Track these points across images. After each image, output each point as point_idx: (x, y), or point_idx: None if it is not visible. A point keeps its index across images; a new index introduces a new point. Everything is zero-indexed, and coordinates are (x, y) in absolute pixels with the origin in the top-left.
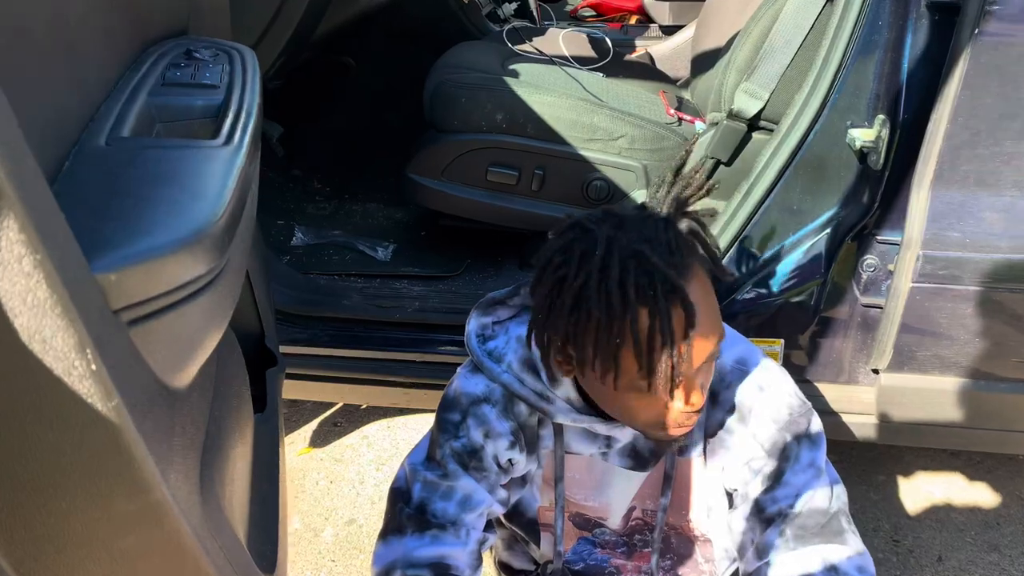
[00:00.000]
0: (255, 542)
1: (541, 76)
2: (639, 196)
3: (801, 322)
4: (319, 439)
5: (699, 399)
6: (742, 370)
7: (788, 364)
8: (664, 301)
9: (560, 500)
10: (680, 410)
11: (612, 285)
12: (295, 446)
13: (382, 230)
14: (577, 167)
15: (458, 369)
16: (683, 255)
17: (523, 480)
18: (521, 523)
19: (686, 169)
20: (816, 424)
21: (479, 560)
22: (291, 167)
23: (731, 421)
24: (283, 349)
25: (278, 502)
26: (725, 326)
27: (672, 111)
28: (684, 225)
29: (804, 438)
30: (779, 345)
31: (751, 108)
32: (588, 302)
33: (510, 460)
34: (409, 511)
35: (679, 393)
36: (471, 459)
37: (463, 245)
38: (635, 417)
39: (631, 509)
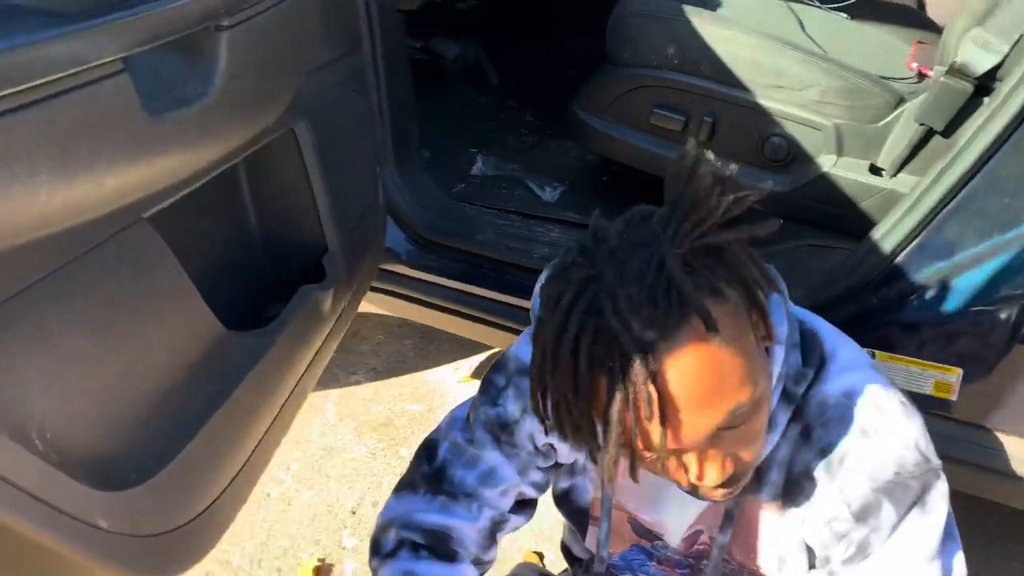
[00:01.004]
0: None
1: (744, 9)
2: (826, 162)
3: (991, 350)
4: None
5: (717, 476)
6: (847, 405)
7: (964, 403)
8: (622, 375)
9: (607, 502)
10: (695, 484)
11: (564, 351)
12: (459, 372)
13: (559, 170)
14: (754, 118)
15: (525, 330)
16: (674, 306)
17: (573, 468)
18: (570, 511)
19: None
20: (938, 494)
21: (490, 540)
22: (507, 97)
23: (818, 468)
24: (418, 275)
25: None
26: (845, 342)
27: (914, 64)
28: (720, 238)
29: (913, 508)
30: (954, 376)
31: (981, 63)
32: (542, 365)
33: (550, 445)
34: (427, 470)
35: (680, 471)
36: (502, 432)
37: (629, 196)
38: (658, 474)
39: (696, 532)
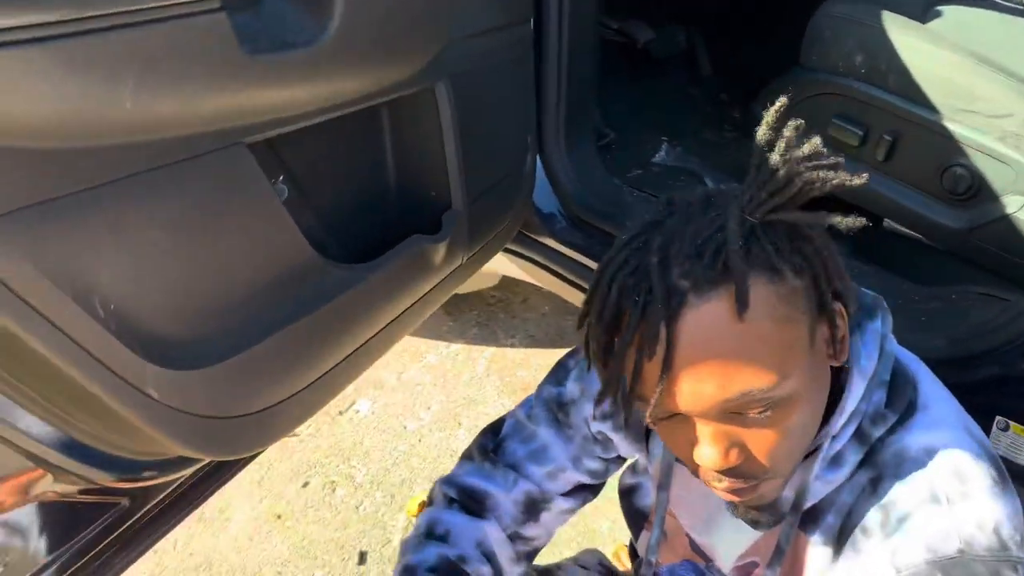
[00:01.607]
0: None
1: (954, 23)
2: (1012, 203)
3: None
4: None
5: (717, 459)
6: (926, 463)
7: None
8: (641, 311)
9: (661, 510)
10: (694, 463)
11: (604, 278)
12: None
13: (743, 171)
14: (938, 143)
15: None
16: (716, 267)
17: (636, 466)
18: (629, 510)
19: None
20: None
21: (528, 515)
22: (720, 90)
23: (875, 521)
24: (564, 250)
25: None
26: (943, 396)
27: None
28: (794, 215)
29: None
30: None
31: None
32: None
33: (604, 433)
34: (487, 442)
35: (687, 447)
36: (560, 410)
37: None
38: (669, 446)
39: (751, 564)
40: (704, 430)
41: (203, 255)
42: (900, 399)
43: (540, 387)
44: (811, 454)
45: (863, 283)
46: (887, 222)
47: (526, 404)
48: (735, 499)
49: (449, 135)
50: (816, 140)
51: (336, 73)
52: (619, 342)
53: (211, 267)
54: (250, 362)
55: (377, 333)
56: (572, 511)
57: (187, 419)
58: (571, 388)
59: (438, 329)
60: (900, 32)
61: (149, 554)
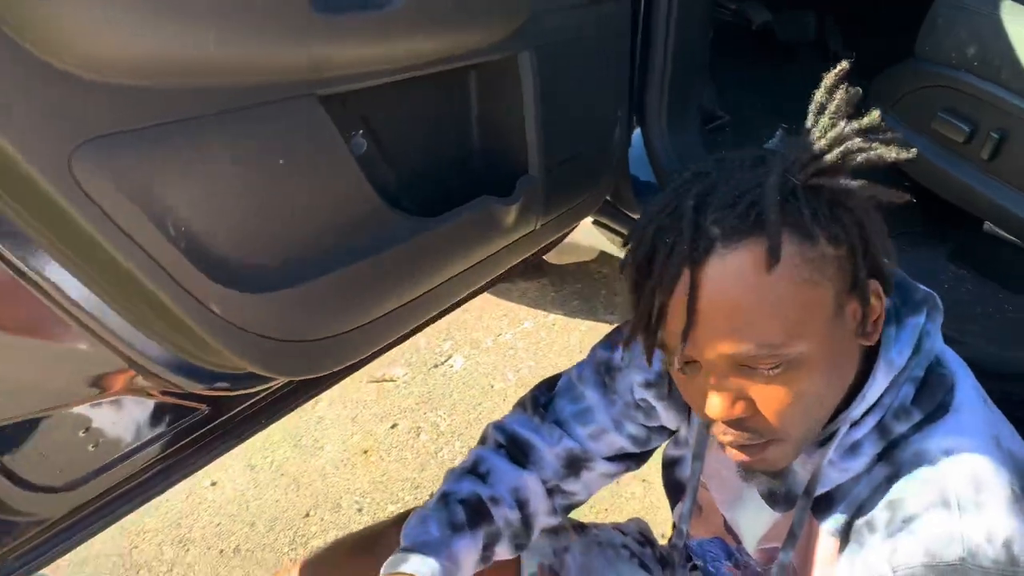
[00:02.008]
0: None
1: None
2: None
3: None
4: None
5: (721, 409)
6: (942, 466)
7: None
8: (670, 252)
9: (694, 479)
10: (705, 414)
11: (644, 220)
12: None
13: None
14: None
15: None
16: (749, 220)
17: (678, 438)
18: (669, 481)
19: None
20: None
21: (569, 471)
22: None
23: (882, 519)
24: None
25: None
26: (979, 405)
27: None
28: (835, 182)
29: None
30: None
31: None
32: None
33: (647, 400)
34: (538, 395)
35: (699, 396)
36: (607, 374)
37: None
38: (685, 398)
39: (773, 549)
40: (715, 380)
41: (268, 192)
42: (930, 399)
43: (593, 349)
44: (828, 439)
45: (958, 288)
46: (988, 225)
47: (581, 364)
48: (743, 458)
49: (530, 104)
50: (875, 113)
51: (409, 37)
52: (648, 282)
53: (275, 204)
54: (309, 294)
55: (440, 284)
56: (613, 475)
57: (246, 336)
58: (619, 354)
59: (541, 298)
60: (1017, 23)
61: (245, 470)
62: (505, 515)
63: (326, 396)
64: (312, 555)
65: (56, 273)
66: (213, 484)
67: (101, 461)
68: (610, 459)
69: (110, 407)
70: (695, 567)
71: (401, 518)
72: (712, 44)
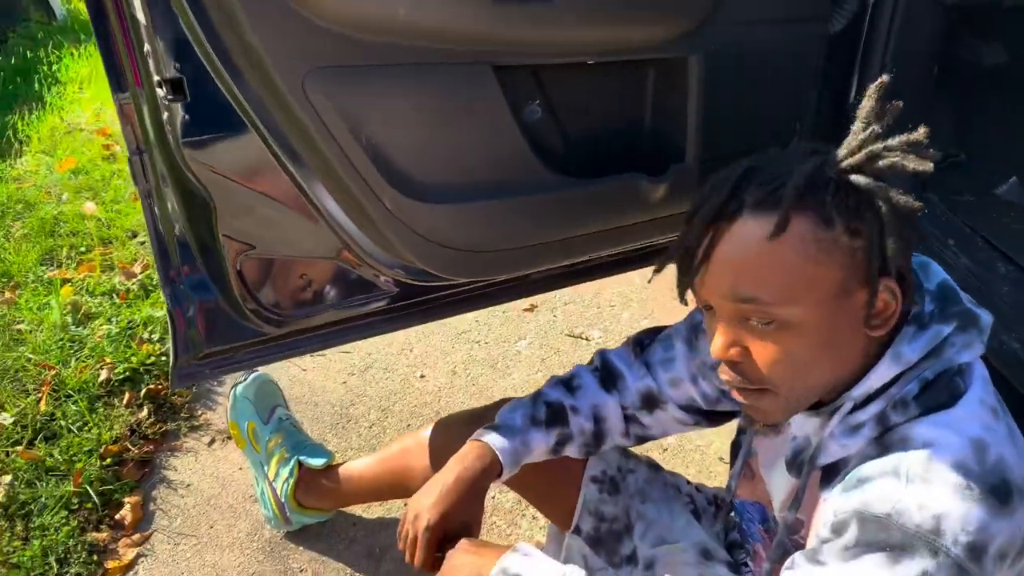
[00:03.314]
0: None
1: None
2: None
3: None
4: None
5: (719, 348)
6: (915, 449)
7: None
8: (706, 209)
9: (746, 443)
10: (712, 355)
11: (711, 182)
12: None
13: None
14: None
15: None
16: (773, 198)
17: None
18: (734, 442)
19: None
20: (917, 566)
21: (646, 404)
22: None
23: (847, 483)
24: None
25: None
26: (982, 412)
27: None
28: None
29: (878, 553)
30: None
31: None
32: None
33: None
34: (642, 337)
35: (710, 335)
36: (694, 332)
37: None
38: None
39: (799, 521)
40: (722, 325)
41: (440, 130)
42: (932, 399)
43: (693, 310)
44: (833, 413)
45: None
46: None
47: (682, 321)
48: (740, 399)
49: (693, 101)
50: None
51: (571, 27)
52: (689, 229)
53: (445, 139)
54: (465, 213)
55: (578, 236)
56: (685, 424)
57: (409, 233)
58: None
59: None
60: None
61: (449, 374)
62: (580, 424)
63: (527, 336)
64: (440, 420)
65: (297, 165)
66: (422, 376)
67: (312, 304)
68: (683, 408)
69: (328, 267)
70: (735, 525)
71: (503, 403)
72: (942, 81)
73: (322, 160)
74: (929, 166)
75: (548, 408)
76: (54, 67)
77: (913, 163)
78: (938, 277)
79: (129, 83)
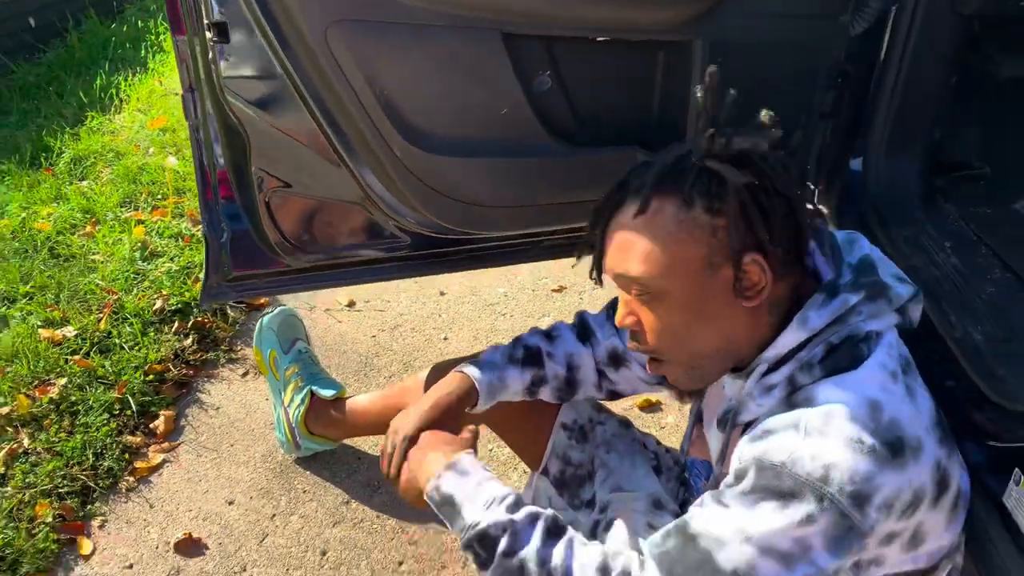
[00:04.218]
0: None
1: None
2: None
3: None
4: None
5: (619, 317)
6: (816, 407)
7: None
8: (604, 202)
9: (695, 406)
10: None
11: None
12: None
13: None
14: None
15: None
16: (645, 181)
17: None
18: (695, 408)
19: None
20: (805, 510)
21: (611, 362)
22: None
23: (749, 434)
24: None
25: None
26: (878, 377)
27: None
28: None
29: (771, 499)
30: None
31: None
32: None
33: None
34: (616, 302)
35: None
36: None
37: None
38: None
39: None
40: (622, 298)
41: (449, 86)
42: (835, 362)
43: None
44: (749, 375)
45: None
46: None
47: None
48: (648, 369)
49: (695, 83)
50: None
51: (578, 4)
52: (596, 220)
53: (452, 96)
54: (466, 167)
55: (579, 203)
56: (648, 383)
57: (416, 181)
58: None
59: None
60: None
61: (470, 339)
62: (555, 369)
63: (551, 314)
64: (436, 363)
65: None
66: (445, 339)
67: (330, 244)
68: (644, 367)
69: (346, 211)
70: (685, 481)
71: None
72: (965, 92)
73: (340, 106)
74: (763, 145)
75: (526, 350)
76: (160, 37)
77: (746, 143)
78: (862, 251)
79: (187, 27)
